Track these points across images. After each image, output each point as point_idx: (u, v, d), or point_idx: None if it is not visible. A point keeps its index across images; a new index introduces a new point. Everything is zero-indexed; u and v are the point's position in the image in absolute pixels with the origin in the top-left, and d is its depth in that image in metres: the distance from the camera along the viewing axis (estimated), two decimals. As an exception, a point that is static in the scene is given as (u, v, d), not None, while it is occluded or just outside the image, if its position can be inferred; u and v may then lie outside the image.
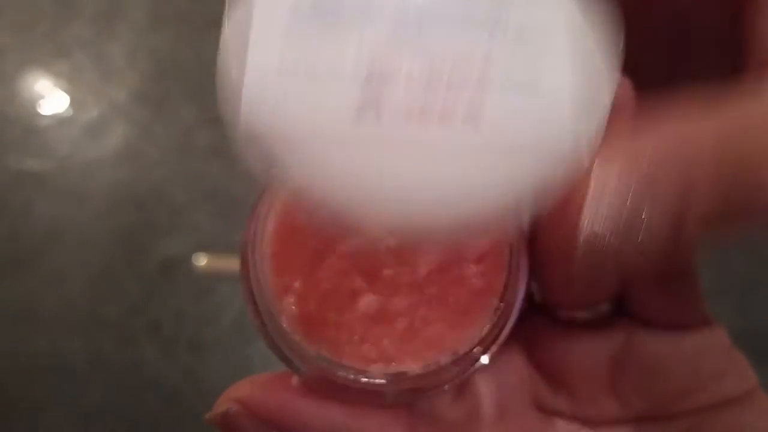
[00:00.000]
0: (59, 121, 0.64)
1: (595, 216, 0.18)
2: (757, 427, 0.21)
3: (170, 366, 0.55)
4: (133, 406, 0.54)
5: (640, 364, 0.22)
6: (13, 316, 0.56)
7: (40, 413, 0.53)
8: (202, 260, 0.58)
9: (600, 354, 0.22)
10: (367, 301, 0.18)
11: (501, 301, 0.18)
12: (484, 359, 0.19)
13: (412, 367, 0.18)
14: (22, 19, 0.69)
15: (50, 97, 0.65)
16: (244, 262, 0.18)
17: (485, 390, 0.23)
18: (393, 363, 0.18)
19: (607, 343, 0.22)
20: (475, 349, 0.18)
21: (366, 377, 0.18)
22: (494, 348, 0.19)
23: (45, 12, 0.69)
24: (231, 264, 0.58)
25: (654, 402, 0.22)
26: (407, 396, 0.19)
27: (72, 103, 0.65)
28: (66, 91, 0.66)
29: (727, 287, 0.64)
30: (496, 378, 0.23)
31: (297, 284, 0.18)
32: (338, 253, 0.19)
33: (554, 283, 0.22)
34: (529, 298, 0.23)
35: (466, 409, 0.23)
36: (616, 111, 0.18)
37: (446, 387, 0.19)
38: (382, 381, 0.18)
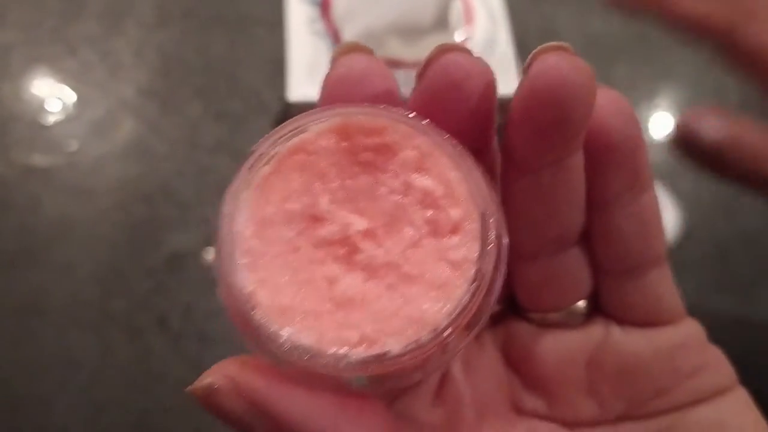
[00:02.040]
0: (67, 117, 0.65)
1: None
2: (736, 423, 0.21)
3: (178, 359, 0.56)
4: (141, 398, 0.55)
5: (616, 363, 0.21)
6: (21, 309, 0.57)
7: (48, 406, 0.54)
8: (209, 254, 0.58)
9: (576, 354, 0.22)
10: (344, 287, 0.18)
11: (477, 271, 0.18)
12: (465, 340, 0.18)
13: (394, 347, 0.17)
14: (29, 16, 0.69)
15: (57, 94, 0.66)
16: (217, 262, 0.18)
17: (463, 392, 0.23)
18: (375, 345, 0.17)
19: (582, 343, 0.22)
20: (454, 325, 0.18)
21: (348, 362, 0.17)
22: (475, 329, 0.18)
23: (52, 9, 0.69)
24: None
25: (632, 402, 0.21)
26: (388, 382, 0.18)
27: (79, 100, 0.66)
28: (73, 88, 0.66)
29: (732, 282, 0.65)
30: (474, 381, 0.23)
31: (272, 278, 0.18)
32: (311, 243, 0.19)
33: (525, 285, 0.22)
34: (503, 300, 0.22)
35: (445, 412, 0.23)
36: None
37: (429, 370, 0.19)
38: (364, 364, 0.17)
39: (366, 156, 0.19)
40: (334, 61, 0.19)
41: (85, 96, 0.66)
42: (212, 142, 0.64)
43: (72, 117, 0.65)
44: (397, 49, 0.50)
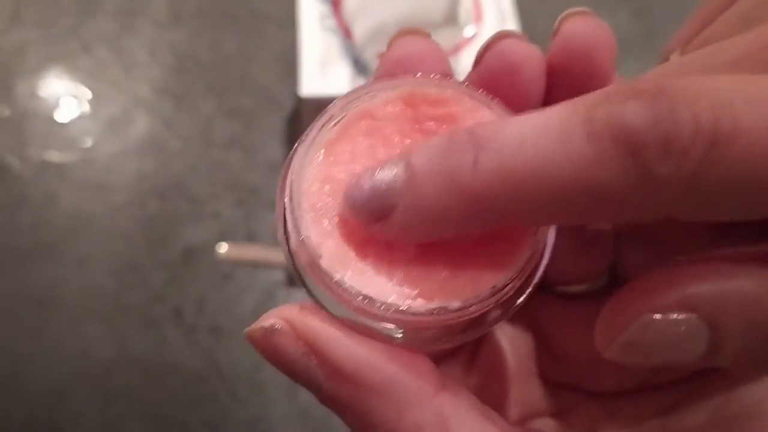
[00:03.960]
0: (82, 114, 0.66)
1: None
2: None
3: (192, 351, 0.57)
4: (155, 389, 0.55)
5: None
6: (37, 302, 0.57)
7: (63, 396, 0.55)
8: (222, 248, 0.59)
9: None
10: (405, 250, 0.18)
11: (532, 239, 0.19)
12: (520, 300, 0.19)
13: (452, 303, 0.18)
14: (45, 14, 0.70)
15: (73, 91, 0.67)
16: (283, 216, 0.19)
17: (496, 361, 0.24)
18: (434, 299, 0.18)
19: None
20: (511, 283, 0.18)
21: (409, 312, 0.18)
22: (529, 289, 0.19)
23: (67, 7, 0.71)
24: (251, 252, 0.59)
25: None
26: (444, 339, 0.19)
27: (94, 97, 0.67)
28: (88, 85, 0.67)
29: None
30: (506, 350, 0.24)
31: (335, 233, 0.19)
32: None
33: (555, 257, 0.23)
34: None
35: (479, 378, 0.24)
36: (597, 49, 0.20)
37: (479, 330, 0.19)
38: (425, 315, 0.18)
39: (429, 125, 0.20)
40: (393, 42, 0.20)
41: (100, 93, 0.67)
42: (225, 138, 0.65)
43: (87, 114, 0.66)
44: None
